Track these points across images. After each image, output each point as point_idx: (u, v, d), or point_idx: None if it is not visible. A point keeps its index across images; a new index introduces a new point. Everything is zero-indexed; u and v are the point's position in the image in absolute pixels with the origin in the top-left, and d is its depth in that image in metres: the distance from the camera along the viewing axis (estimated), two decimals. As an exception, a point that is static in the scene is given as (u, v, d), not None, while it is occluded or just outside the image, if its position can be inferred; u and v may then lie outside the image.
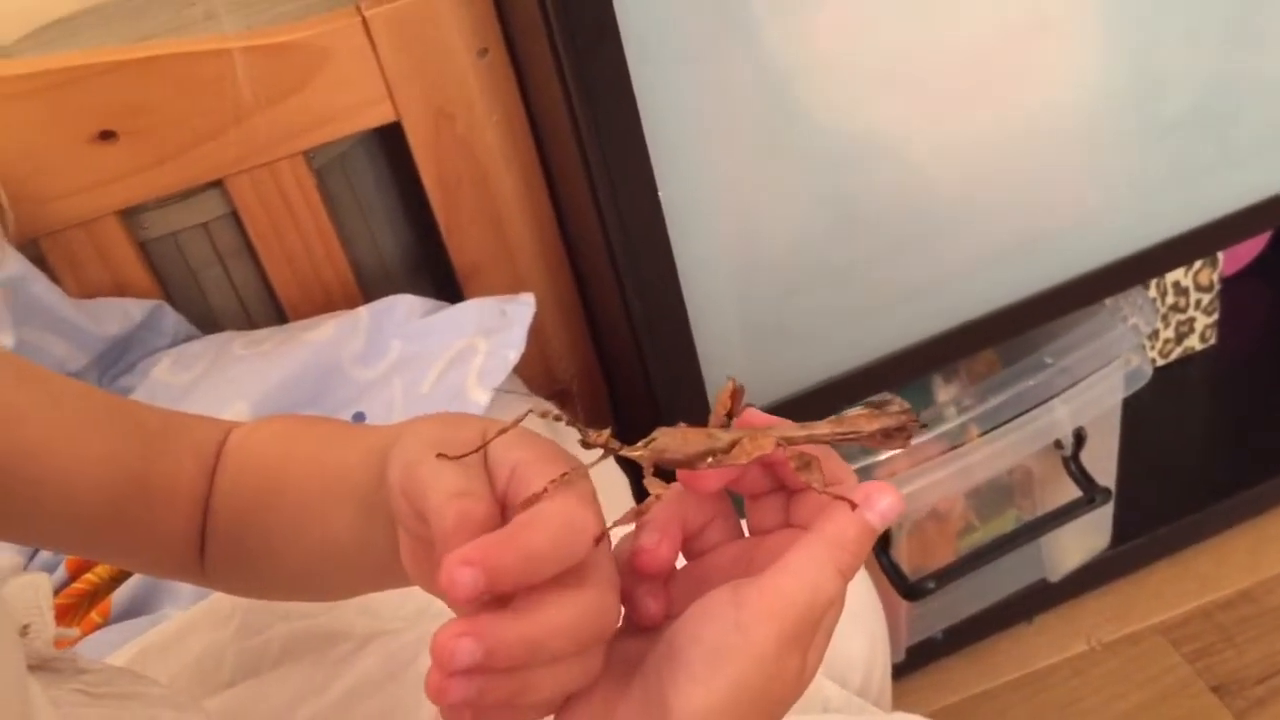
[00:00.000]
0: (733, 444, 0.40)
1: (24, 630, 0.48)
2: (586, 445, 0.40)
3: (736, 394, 0.42)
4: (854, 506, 0.38)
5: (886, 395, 0.42)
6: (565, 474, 0.37)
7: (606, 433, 0.40)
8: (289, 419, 0.58)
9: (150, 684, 0.55)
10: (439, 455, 0.39)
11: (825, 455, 0.40)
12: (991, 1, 0.86)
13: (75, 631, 0.49)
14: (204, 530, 0.55)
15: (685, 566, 0.42)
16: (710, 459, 0.40)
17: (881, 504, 0.38)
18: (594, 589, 0.36)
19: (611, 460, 0.42)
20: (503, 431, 0.40)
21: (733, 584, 0.38)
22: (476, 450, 0.39)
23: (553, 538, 0.35)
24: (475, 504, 0.37)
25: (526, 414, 0.40)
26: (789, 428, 0.41)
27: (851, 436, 0.41)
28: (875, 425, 0.42)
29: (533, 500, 0.37)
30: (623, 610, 0.40)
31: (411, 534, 0.41)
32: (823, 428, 0.41)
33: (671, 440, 0.40)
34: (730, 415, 0.41)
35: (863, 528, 0.38)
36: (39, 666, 0.48)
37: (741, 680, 0.36)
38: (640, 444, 0.40)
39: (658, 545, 0.39)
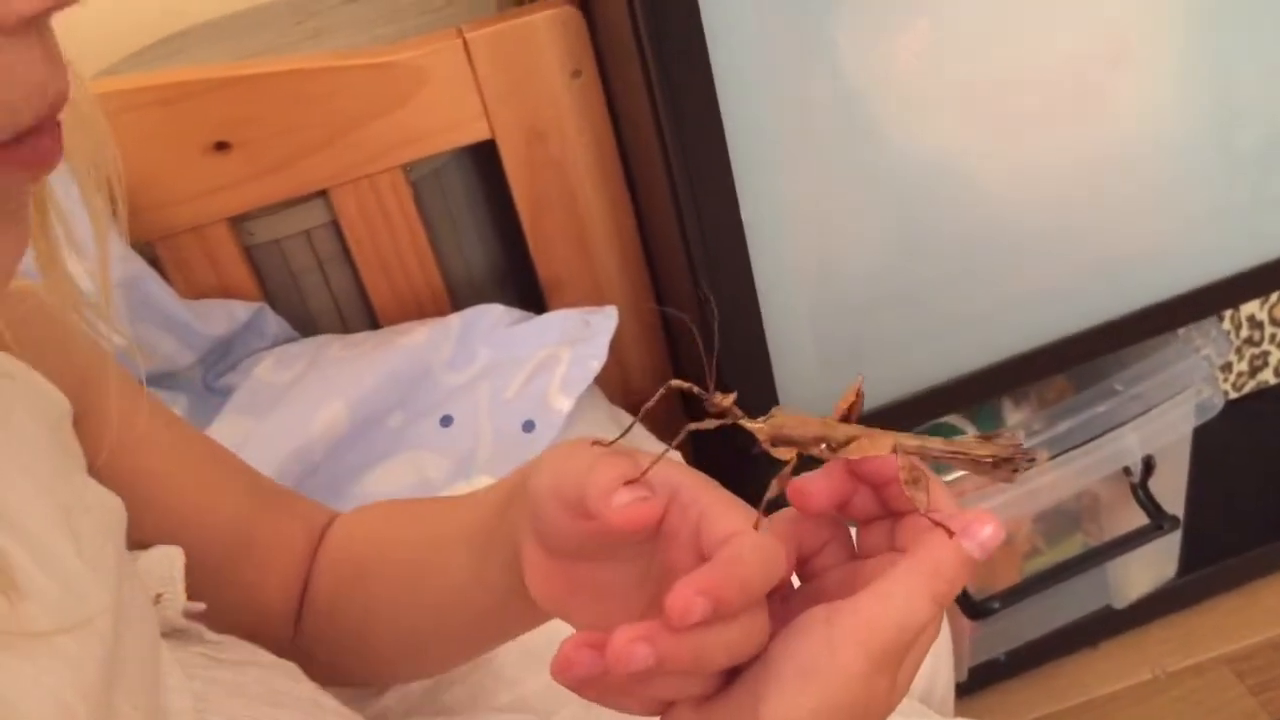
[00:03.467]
0: (849, 439, 0.40)
1: (157, 599, 0.51)
2: (710, 409, 0.40)
3: (859, 396, 0.42)
4: (952, 534, 0.39)
5: (1002, 430, 0.43)
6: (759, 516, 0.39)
7: (732, 398, 0.40)
8: (390, 501, 0.61)
9: (264, 654, 0.59)
10: (594, 442, 0.40)
11: (936, 484, 0.41)
12: (1070, 31, 0.87)
13: (202, 605, 0.52)
14: (302, 603, 0.58)
15: (800, 587, 0.44)
16: (824, 445, 0.40)
17: (982, 534, 0.38)
18: (758, 608, 0.38)
19: (682, 462, 0.44)
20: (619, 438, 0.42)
21: (830, 604, 0.39)
22: (621, 436, 0.41)
23: (763, 573, 0.37)
24: (629, 467, 0.38)
25: (672, 446, 0.41)
26: (903, 437, 0.41)
27: (962, 457, 0.42)
28: (986, 451, 0.42)
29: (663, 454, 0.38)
30: None
31: (551, 542, 0.42)
32: (936, 443, 0.41)
33: (790, 420, 0.41)
34: (850, 413, 0.42)
35: (961, 558, 0.38)
36: (168, 634, 0.52)
37: (829, 697, 0.37)
38: (761, 418, 0.41)
39: None
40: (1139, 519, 1.10)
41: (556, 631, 0.65)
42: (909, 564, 0.38)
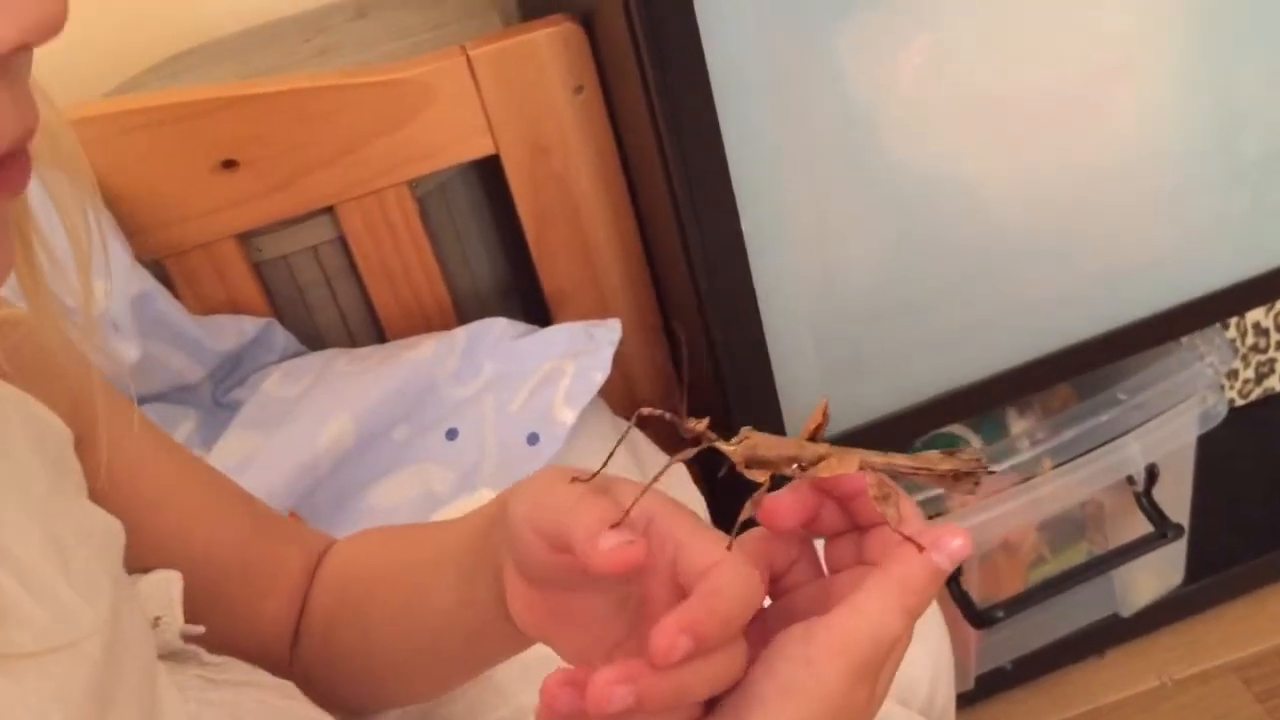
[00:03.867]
0: (819, 459, 0.41)
1: (155, 622, 0.52)
2: (685, 434, 0.41)
3: (825, 416, 0.43)
4: (921, 549, 0.39)
5: (964, 442, 0.45)
6: (730, 540, 0.39)
7: (705, 422, 0.41)
8: (385, 527, 0.62)
9: (263, 674, 0.59)
10: (573, 480, 0.41)
11: (902, 497, 0.41)
12: (1072, 42, 0.88)
13: (201, 629, 0.53)
14: (298, 628, 0.58)
15: (771, 605, 0.44)
16: (796, 465, 0.41)
17: (951, 546, 0.39)
18: (736, 637, 0.39)
19: (689, 481, 0.45)
20: (602, 468, 0.42)
21: (805, 622, 0.39)
22: (601, 468, 0.42)
23: (742, 605, 0.38)
24: (612, 511, 0.39)
25: (655, 478, 0.42)
26: (869, 455, 0.42)
27: (924, 472, 0.43)
28: (948, 466, 0.43)
29: (714, 561, 0.38)
30: None
31: (531, 573, 0.43)
32: (901, 459, 0.42)
33: (762, 441, 0.42)
34: (817, 433, 0.43)
35: (931, 570, 0.39)
36: (166, 656, 0.53)
37: (812, 714, 0.38)
38: (734, 440, 0.42)
39: None
40: (1144, 527, 1.10)
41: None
42: (880, 578, 0.39)
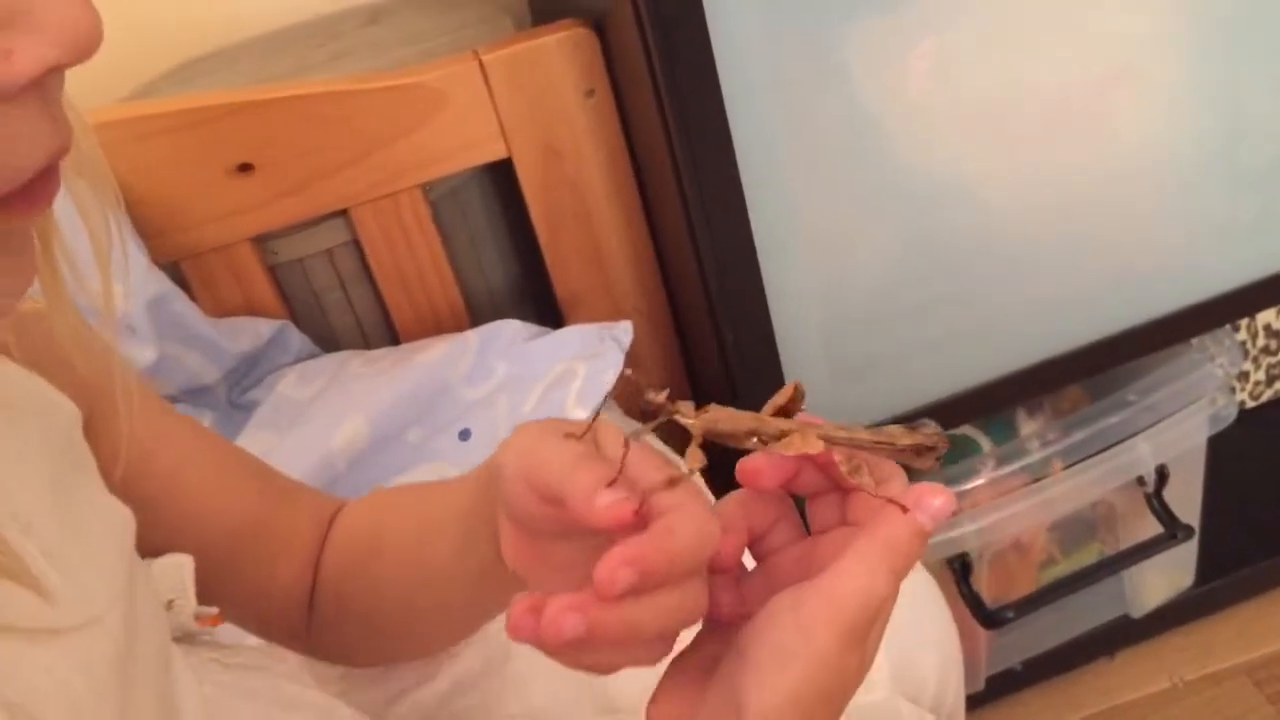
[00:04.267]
0: (781, 434, 0.42)
1: (169, 605, 0.53)
2: (646, 405, 0.42)
3: (796, 396, 0.44)
4: (905, 510, 0.40)
5: (924, 420, 0.45)
6: (681, 475, 0.40)
7: (665, 393, 0.42)
8: (392, 487, 0.63)
9: (275, 660, 0.60)
10: (566, 435, 0.42)
11: (878, 460, 0.43)
12: (1078, 49, 0.88)
13: (214, 610, 0.54)
14: (313, 591, 0.59)
15: (755, 568, 0.45)
16: (755, 440, 0.42)
17: (933, 505, 0.40)
18: (693, 579, 0.40)
19: (703, 486, 0.45)
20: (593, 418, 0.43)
21: (795, 588, 0.40)
22: (592, 421, 0.43)
23: (692, 545, 0.38)
24: (608, 470, 0.40)
25: (625, 451, 0.42)
26: (830, 428, 0.43)
27: (886, 445, 0.44)
28: (909, 440, 0.44)
29: (666, 486, 0.39)
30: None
31: (521, 521, 0.44)
32: (862, 433, 0.43)
33: (723, 415, 0.43)
34: (788, 409, 0.44)
35: (915, 530, 0.40)
36: (180, 639, 0.54)
37: (805, 679, 0.39)
38: (695, 413, 0.43)
39: (725, 543, 0.42)
40: (1154, 528, 1.10)
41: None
42: (866, 541, 0.40)
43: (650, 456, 0.41)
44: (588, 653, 0.39)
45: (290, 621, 0.60)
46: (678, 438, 0.44)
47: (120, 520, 0.48)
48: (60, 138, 0.32)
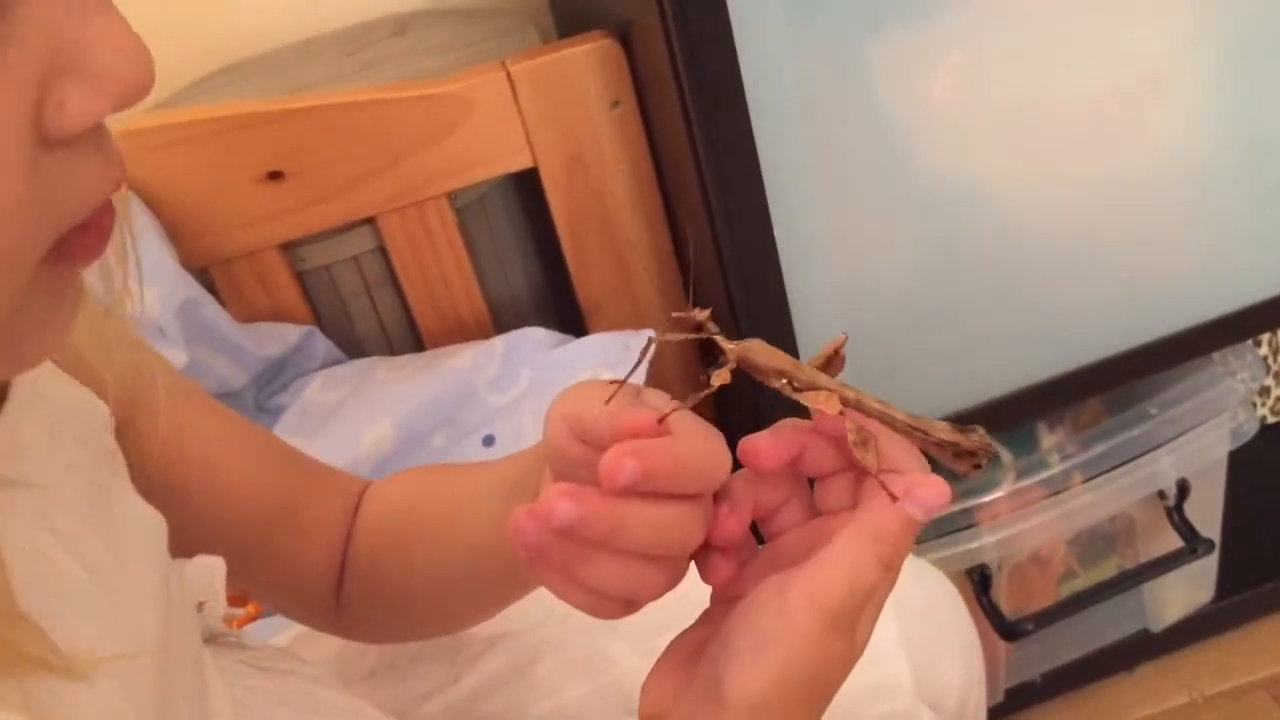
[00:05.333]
0: (811, 385, 0.41)
1: (200, 606, 0.54)
2: (691, 323, 0.41)
3: (839, 353, 0.43)
4: (895, 498, 0.39)
5: (975, 426, 0.44)
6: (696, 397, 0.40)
7: (707, 312, 0.42)
8: (421, 467, 0.64)
9: (303, 664, 0.61)
10: (611, 380, 0.42)
11: (897, 442, 0.42)
12: (1102, 62, 0.89)
13: (241, 612, 0.55)
14: (342, 569, 0.60)
15: (763, 548, 0.44)
16: (783, 381, 0.41)
17: (923, 496, 0.39)
18: (691, 503, 0.39)
19: None
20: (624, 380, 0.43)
21: (783, 573, 0.40)
22: (639, 363, 0.44)
23: (698, 460, 0.39)
24: (647, 413, 0.40)
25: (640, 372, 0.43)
26: (866, 397, 0.42)
27: (921, 433, 0.42)
28: (949, 437, 0.42)
29: (683, 405, 0.39)
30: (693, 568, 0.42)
31: (561, 469, 0.44)
32: (900, 414, 0.42)
33: (759, 347, 0.42)
34: (828, 367, 0.43)
35: (903, 520, 0.39)
36: (209, 640, 0.54)
37: (786, 665, 0.39)
38: (734, 341, 0.42)
39: (727, 517, 0.42)
40: (1174, 542, 1.10)
41: (594, 644, 0.68)
42: (853, 528, 0.39)
43: (687, 415, 0.41)
44: (578, 562, 0.38)
45: (320, 600, 0.60)
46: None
47: (154, 525, 0.48)
48: (114, 171, 0.32)
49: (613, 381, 0.42)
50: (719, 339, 0.42)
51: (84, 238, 0.32)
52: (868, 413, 0.42)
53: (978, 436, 0.43)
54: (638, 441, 0.38)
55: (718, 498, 0.42)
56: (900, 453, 0.42)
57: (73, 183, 0.30)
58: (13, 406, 0.41)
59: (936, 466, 0.43)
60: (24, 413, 0.42)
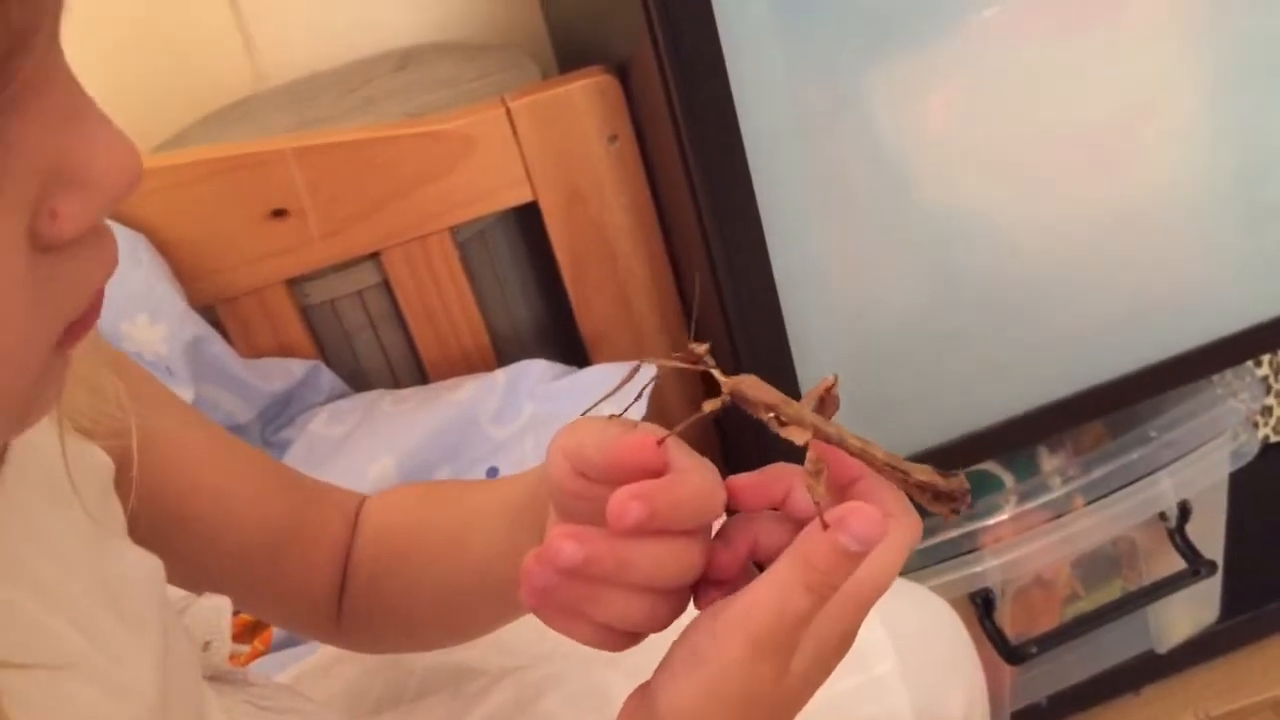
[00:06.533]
0: (796, 420, 0.42)
1: (205, 646, 0.54)
2: (687, 356, 0.43)
3: (831, 392, 0.44)
4: (826, 526, 0.39)
5: (993, 479, 0.45)
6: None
7: (706, 346, 0.44)
8: (421, 483, 0.65)
9: (307, 701, 0.61)
10: (611, 416, 0.44)
11: (881, 483, 0.43)
12: (1099, 87, 0.89)
13: (246, 648, 0.56)
14: (344, 584, 0.61)
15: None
16: (770, 415, 0.43)
17: (854, 527, 0.39)
18: (690, 539, 0.41)
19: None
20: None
21: (725, 598, 0.41)
22: (636, 399, 0.46)
23: (698, 497, 0.41)
24: (643, 437, 0.41)
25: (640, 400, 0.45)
26: (846, 435, 0.42)
27: (900, 474, 0.43)
28: (927, 478, 0.43)
29: (673, 432, 0.41)
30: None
31: (561, 504, 0.45)
32: (879, 452, 0.43)
33: (751, 381, 0.43)
34: (822, 407, 0.44)
35: (831, 547, 0.39)
36: (214, 678, 0.55)
37: (713, 683, 0.40)
38: (729, 376, 0.44)
39: (722, 552, 0.43)
40: (1177, 564, 1.11)
41: (598, 679, 0.68)
42: (787, 556, 0.40)
43: (679, 444, 0.43)
44: (583, 599, 0.40)
45: (322, 613, 0.61)
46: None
47: (151, 571, 0.48)
48: (108, 257, 0.32)
49: (612, 417, 0.44)
50: (715, 372, 0.44)
51: (82, 317, 0.33)
52: (848, 450, 0.43)
53: (956, 480, 0.44)
54: (641, 484, 0.39)
55: (716, 536, 0.44)
56: (885, 492, 0.43)
57: (75, 279, 0.31)
58: (11, 470, 0.41)
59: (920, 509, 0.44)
60: (22, 477, 0.42)
